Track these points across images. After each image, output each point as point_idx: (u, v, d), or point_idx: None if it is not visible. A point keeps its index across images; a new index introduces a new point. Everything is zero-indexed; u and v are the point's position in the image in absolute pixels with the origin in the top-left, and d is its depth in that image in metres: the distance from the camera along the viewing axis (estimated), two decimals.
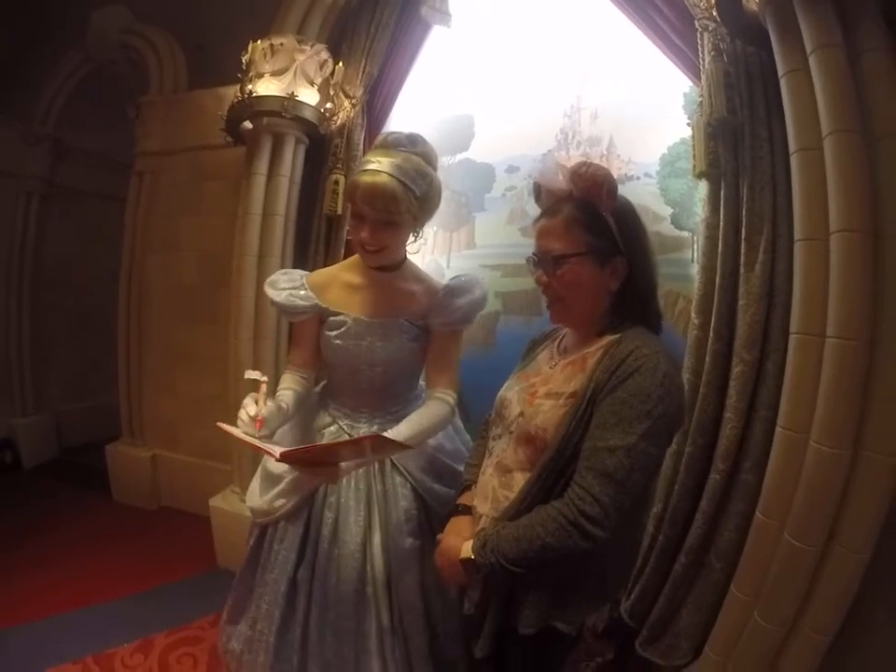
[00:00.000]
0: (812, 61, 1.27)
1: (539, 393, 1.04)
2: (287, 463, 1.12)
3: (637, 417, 0.88)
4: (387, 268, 1.35)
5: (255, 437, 1.12)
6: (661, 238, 2.04)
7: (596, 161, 2.19)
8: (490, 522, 1.04)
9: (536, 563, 0.93)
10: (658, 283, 1.09)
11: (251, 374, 1.29)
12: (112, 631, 2.03)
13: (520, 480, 1.02)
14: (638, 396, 0.89)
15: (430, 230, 2.10)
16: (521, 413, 1.05)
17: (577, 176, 1.00)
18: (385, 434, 1.14)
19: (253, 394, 1.22)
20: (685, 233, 2.00)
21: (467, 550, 1.00)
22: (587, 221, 1.00)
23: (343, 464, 1.11)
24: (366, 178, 1.21)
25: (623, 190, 2.09)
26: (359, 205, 1.24)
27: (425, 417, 1.28)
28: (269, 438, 1.21)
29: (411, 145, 1.28)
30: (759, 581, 1.34)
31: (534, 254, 1.07)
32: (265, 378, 1.26)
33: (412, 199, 1.24)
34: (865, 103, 1.23)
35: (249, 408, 1.18)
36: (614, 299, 1.04)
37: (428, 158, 1.32)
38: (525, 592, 1.01)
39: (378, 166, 1.22)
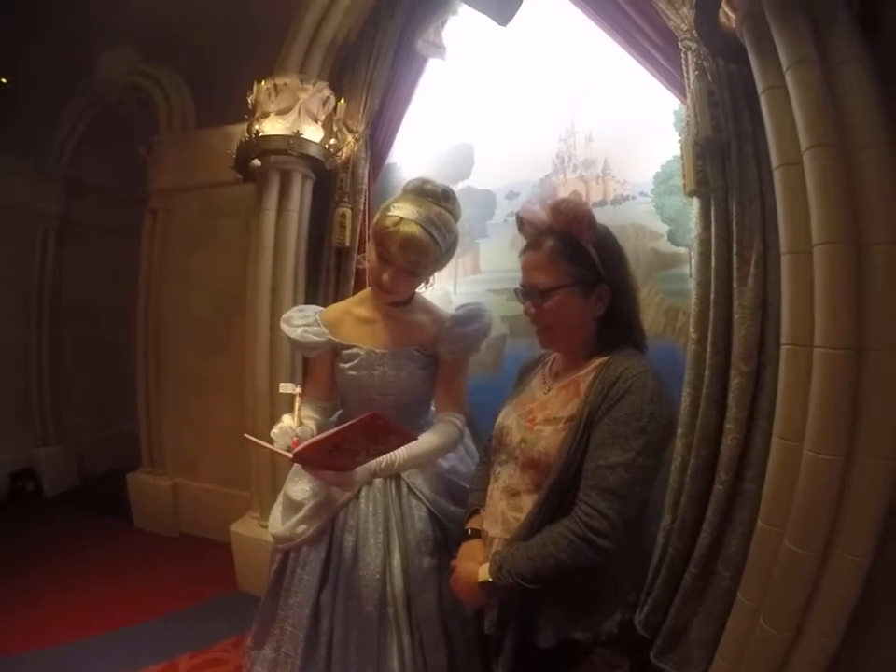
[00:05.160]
0: (788, 77, 1.30)
1: (538, 419, 1.09)
2: (300, 463, 1.18)
3: (633, 434, 0.94)
4: (398, 303, 1.42)
5: (281, 451, 1.19)
6: (658, 255, 2.09)
7: (592, 183, 2.28)
8: (503, 543, 1.09)
9: (551, 579, 0.98)
10: (639, 304, 1.16)
11: (286, 388, 1.39)
12: (137, 654, 2.07)
13: (528, 501, 1.07)
14: (632, 414, 0.95)
15: None
16: (523, 440, 1.10)
17: (557, 213, 1.06)
18: (395, 452, 1.21)
19: (287, 416, 1.31)
20: (682, 249, 2.03)
21: (484, 573, 1.04)
22: (570, 253, 1.05)
23: (357, 469, 1.18)
24: (403, 228, 1.26)
25: (620, 210, 2.18)
26: (391, 250, 1.28)
27: (434, 438, 1.35)
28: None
29: (444, 200, 1.35)
30: (763, 588, 1.36)
31: (521, 285, 1.13)
32: (299, 389, 1.35)
33: (438, 253, 1.33)
34: (843, 114, 1.24)
35: (286, 419, 1.28)
36: (600, 323, 1.09)
37: (456, 214, 1.39)
38: (543, 607, 1.05)
39: (416, 217, 1.27)
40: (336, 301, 2.22)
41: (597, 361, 1.07)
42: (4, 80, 3.59)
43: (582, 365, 1.10)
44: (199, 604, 2.47)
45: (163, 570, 2.78)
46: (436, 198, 1.33)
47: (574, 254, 1.05)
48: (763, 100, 1.42)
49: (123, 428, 3.99)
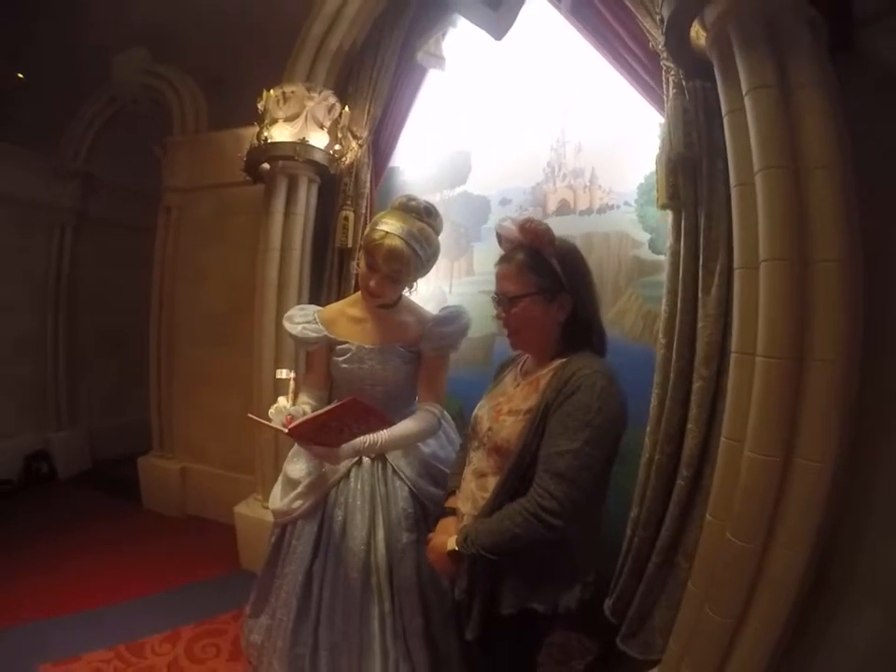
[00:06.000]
0: (746, 101, 1.35)
1: (503, 411, 1.24)
2: (293, 437, 1.36)
3: (581, 426, 1.07)
4: (386, 305, 1.58)
5: (278, 426, 1.38)
6: (640, 262, 2.20)
7: (580, 191, 2.39)
8: (471, 519, 1.23)
9: (509, 550, 1.12)
10: (600, 312, 1.29)
11: (281, 373, 1.59)
12: (143, 623, 2.23)
13: (492, 482, 1.21)
14: (580, 409, 1.08)
15: None
16: (490, 429, 1.25)
17: (524, 230, 1.21)
18: (380, 433, 1.39)
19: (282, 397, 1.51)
20: (662, 257, 2.07)
21: (452, 543, 1.20)
22: (535, 265, 1.19)
23: (343, 446, 1.36)
24: (388, 241, 1.43)
25: (604, 218, 2.30)
26: (376, 260, 1.45)
27: (412, 423, 1.52)
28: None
29: (427, 215, 1.51)
30: (710, 577, 1.44)
31: (495, 294, 1.28)
32: (293, 374, 1.56)
33: (419, 263, 1.49)
34: (798, 136, 1.29)
35: (281, 400, 1.48)
36: (562, 328, 1.23)
37: (437, 228, 1.55)
38: (506, 578, 1.18)
39: (400, 232, 1.44)
40: (338, 298, 2.37)
41: (558, 362, 1.21)
42: (20, 75, 3.71)
43: (546, 365, 1.24)
44: (203, 580, 2.61)
45: (170, 549, 2.93)
46: (419, 214, 1.50)
47: (539, 266, 1.19)
48: (726, 122, 1.48)
49: (134, 415, 4.16)
